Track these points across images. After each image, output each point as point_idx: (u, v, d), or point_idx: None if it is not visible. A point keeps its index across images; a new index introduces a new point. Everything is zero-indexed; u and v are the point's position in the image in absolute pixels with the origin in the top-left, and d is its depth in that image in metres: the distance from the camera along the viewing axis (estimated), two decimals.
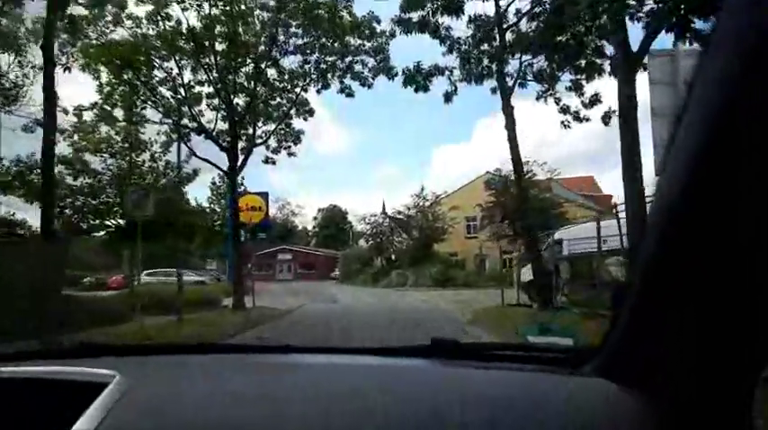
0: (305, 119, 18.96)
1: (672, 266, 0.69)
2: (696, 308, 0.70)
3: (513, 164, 14.93)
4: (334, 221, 63.21)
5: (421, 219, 38.84)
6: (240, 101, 17.79)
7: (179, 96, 17.27)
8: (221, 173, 18.54)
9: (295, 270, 56.28)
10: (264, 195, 21.60)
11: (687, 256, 0.67)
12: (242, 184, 18.85)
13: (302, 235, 67.22)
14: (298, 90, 18.26)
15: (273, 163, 19.10)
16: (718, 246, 0.64)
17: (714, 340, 0.71)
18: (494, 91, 14.09)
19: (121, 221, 16.19)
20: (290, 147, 19.04)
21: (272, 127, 18.64)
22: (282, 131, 18.91)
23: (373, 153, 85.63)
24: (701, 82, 0.64)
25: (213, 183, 20.89)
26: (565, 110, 14.40)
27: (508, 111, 13.95)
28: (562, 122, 14.45)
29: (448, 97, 14.11)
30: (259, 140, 18.49)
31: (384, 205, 44.27)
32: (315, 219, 66.61)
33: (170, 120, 17.22)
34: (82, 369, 1.00)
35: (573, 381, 0.95)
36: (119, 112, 16.85)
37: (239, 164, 17.83)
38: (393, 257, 40.39)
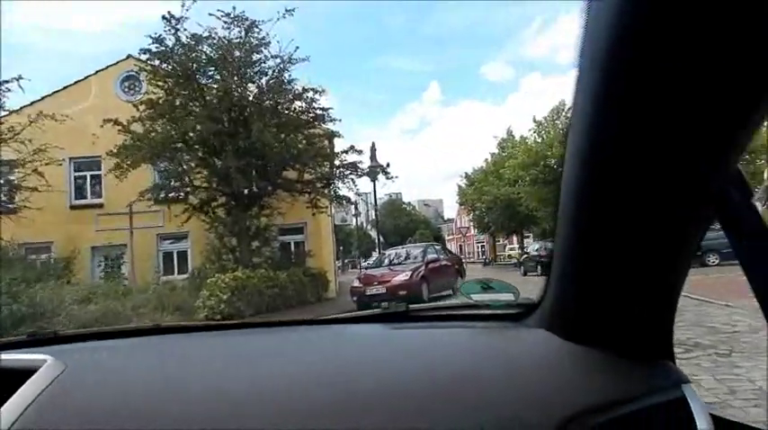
0: None
1: (591, 225, 0.73)
2: (614, 260, 0.75)
3: None
4: None
5: None
6: None
7: None
8: None
9: None
10: None
11: (604, 219, 0.71)
12: None
13: None
14: None
15: None
16: (633, 207, 0.67)
17: (631, 289, 0.77)
18: None
19: None
20: None
21: None
22: None
23: None
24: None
25: None
26: None
27: None
28: None
29: None
30: None
31: None
32: None
33: None
34: (10, 356, 0.95)
35: (516, 333, 1.00)
36: None
37: None
38: None
